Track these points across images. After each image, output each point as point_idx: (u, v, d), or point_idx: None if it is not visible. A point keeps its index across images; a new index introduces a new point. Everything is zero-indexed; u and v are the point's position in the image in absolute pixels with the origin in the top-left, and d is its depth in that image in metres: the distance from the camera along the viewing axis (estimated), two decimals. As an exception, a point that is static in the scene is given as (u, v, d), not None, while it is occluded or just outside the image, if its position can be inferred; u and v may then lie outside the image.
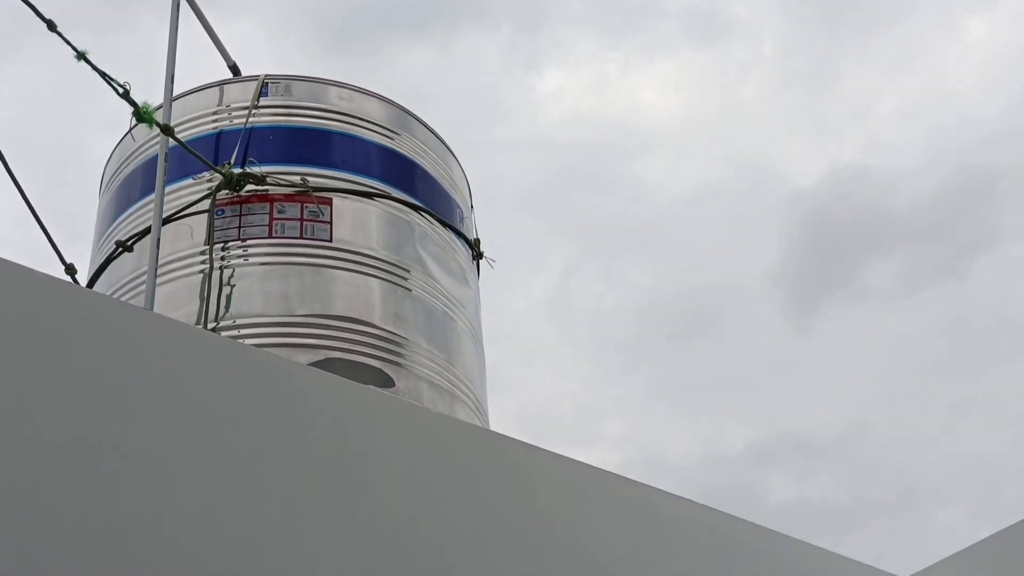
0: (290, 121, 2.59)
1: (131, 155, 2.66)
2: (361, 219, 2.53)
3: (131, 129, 2.64)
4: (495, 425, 2.79)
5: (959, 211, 9.41)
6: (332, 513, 1.58)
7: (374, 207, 2.57)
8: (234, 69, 2.73)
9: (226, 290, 2.35)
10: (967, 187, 9.30)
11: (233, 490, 1.49)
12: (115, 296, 2.44)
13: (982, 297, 9.29)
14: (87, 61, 2.09)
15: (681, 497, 2.13)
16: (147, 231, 2.35)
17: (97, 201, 2.80)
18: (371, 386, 2.29)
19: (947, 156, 9.55)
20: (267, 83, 2.62)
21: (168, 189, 2.42)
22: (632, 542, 1.98)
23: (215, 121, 2.58)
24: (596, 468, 2.02)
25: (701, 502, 2.15)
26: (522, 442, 1.94)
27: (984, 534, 2.34)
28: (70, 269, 2.39)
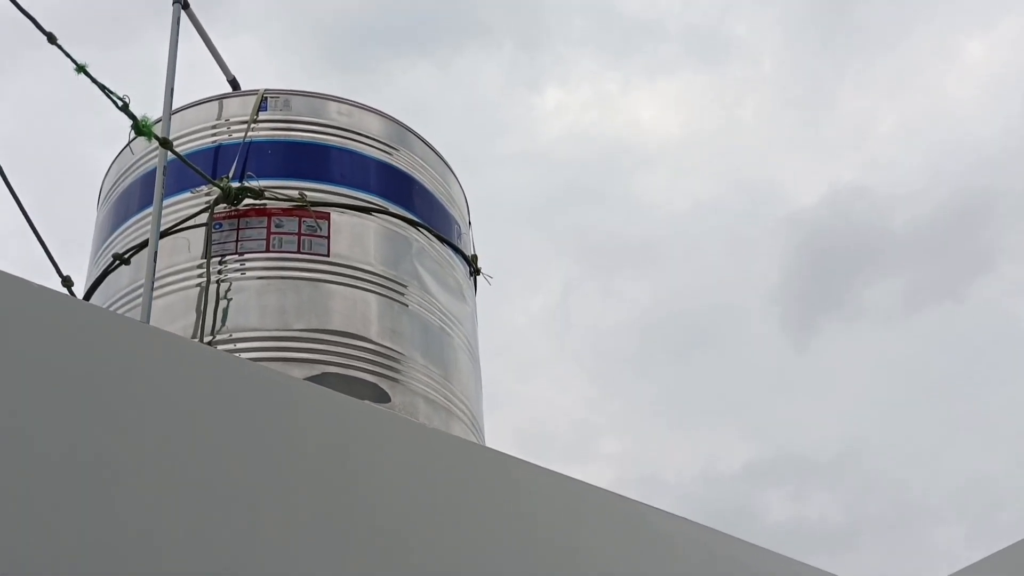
0: (289, 136, 2.60)
1: (129, 168, 2.66)
2: (359, 234, 2.53)
3: (130, 142, 2.64)
4: (491, 441, 2.78)
5: (958, 232, 9.42)
6: (327, 528, 1.57)
7: (372, 222, 2.57)
8: (233, 83, 2.73)
9: (223, 304, 2.35)
10: (966, 208, 9.31)
11: (228, 504, 1.48)
12: (111, 309, 2.43)
13: (981, 317, 9.29)
14: (87, 74, 2.09)
15: (676, 515, 2.12)
16: (145, 244, 2.35)
17: (95, 214, 2.80)
18: (367, 401, 2.29)
19: (946, 177, 9.57)
20: (266, 97, 2.63)
21: (166, 202, 2.42)
22: (628, 560, 1.97)
23: (214, 135, 2.58)
24: (592, 486, 2.01)
25: (698, 520, 2.14)
26: (518, 458, 1.93)
27: (981, 554, 2.33)
28: (67, 281, 2.39)
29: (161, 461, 1.45)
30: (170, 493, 1.44)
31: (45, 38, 2.07)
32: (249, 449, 1.56)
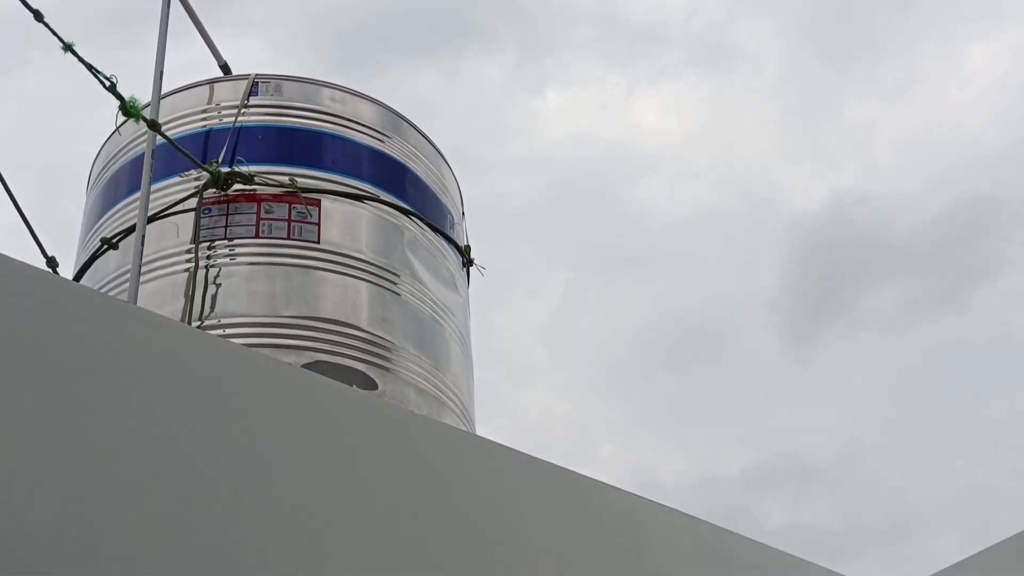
0: (280, 121, 2.57)
1: (118, 152, 2.64)
2: (350, 221, 2.51)
3: (119, 126, 2.62)
4: (487, 443, 2.75)
5: (960, 239, 9.40)
6: (315, 514, 1.55)
7: (363, 210, 2.54)
8: (225, 68, 2.71)
9: (211, 289, 2.33)
10: (968, 215, 9.29)
11: (214, 488, 1.46)
12: (99, 294, 2.41)
13: (982, 325, 9.26)
14: (73, 53, 2.07)
15: (667, 506, 2.10)
16: (133, 229, 2.33)
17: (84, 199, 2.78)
18: (355, 387, 2.26)
19: (948, 184, 9.55)
20: (257, 82, 2.61)
21: (155, 187, 2.40)
22: (618, 550, 1.95)
23: (204, 119, 2.56)
24: (583, 476, 1.99)
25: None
26: (509, 447, 1.91)
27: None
28: (51, 262, 2.37)
29: (148, 444, 1.43)
30: (154, 475, 1.42)
31: (33, 15, 2.04)
32: (237, 434, 1.54)
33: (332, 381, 1.79)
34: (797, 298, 9.72)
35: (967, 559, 2.32)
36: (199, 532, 1.42)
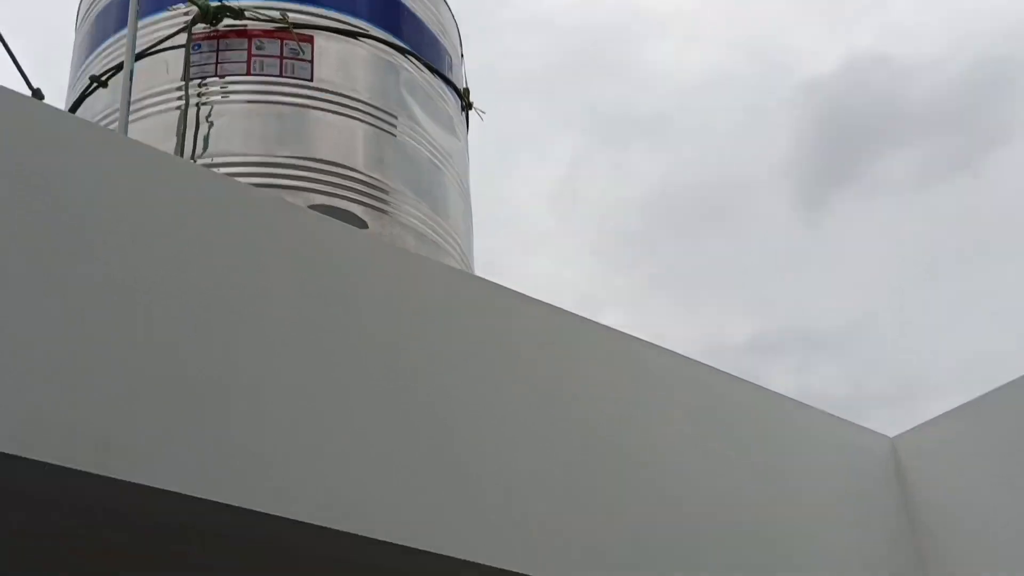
0: (271, -48, 2.48)
1: (106, -14, 2.56)
2: (344, 60, 2.44)
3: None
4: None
5: (978, 103, 9.19)
6: (310, 344, 1.54)
7: (358, 48, 2.47)
8: (211, -103, 2.59)
9: (204, 128, 2.28)
10: (987, 78, 9.06)
11: (207, 320, 1.45)
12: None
13: (996, 191, 9.14)
14: None
15: (665, 348, 2.08)
16: (122, 66, 2.27)
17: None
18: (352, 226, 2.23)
19: (968, 46, 9.30)
20: (245, -89, 2.50)
21: (143, 23, 2.33)
22: (617, 389, 1.95)
23: (191, -49, 2.46)
24: (583, 317, 1.97)
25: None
26: (511, 290, 1.89)
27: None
28: (37, 94, 2.31)
29: (143, 274, 1.42)
30: (150, 306, 1.40)
31: None
32: (232, 267, 1.53)
33: (332, 219, 1.76)
34: (809, 164, 9.59)
35: (962, 405, 2.32)
36: (193, 361, 1.41)
